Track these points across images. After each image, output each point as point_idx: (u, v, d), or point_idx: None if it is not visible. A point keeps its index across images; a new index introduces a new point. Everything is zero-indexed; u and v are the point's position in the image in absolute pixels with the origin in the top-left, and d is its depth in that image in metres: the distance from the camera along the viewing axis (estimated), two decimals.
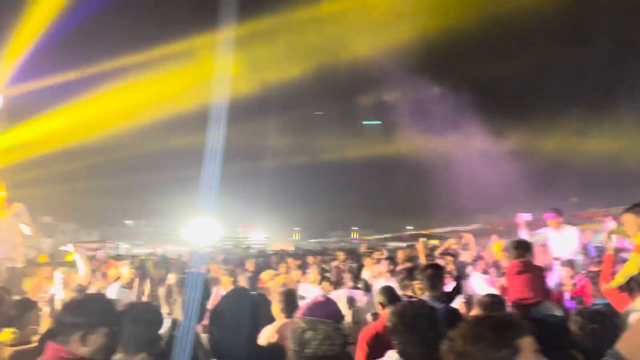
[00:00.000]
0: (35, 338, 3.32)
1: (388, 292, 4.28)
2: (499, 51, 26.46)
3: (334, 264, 10.05)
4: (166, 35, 20.56)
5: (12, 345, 2.85)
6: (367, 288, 6.92)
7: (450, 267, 6.35)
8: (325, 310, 2.40)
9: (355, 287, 6.74)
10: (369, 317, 5.36)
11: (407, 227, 41.62)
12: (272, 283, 7.55)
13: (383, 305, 4.16)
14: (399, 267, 7.06)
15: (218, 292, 6.93)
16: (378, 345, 3.72)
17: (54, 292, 5.72)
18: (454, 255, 7.27)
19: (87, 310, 2.38)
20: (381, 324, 3.86)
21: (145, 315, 2.88)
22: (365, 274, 7.85)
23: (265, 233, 46.35)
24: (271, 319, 4.27)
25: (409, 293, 4.63)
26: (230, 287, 7.14)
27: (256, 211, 45.32)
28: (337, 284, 7.26)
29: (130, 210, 50.31)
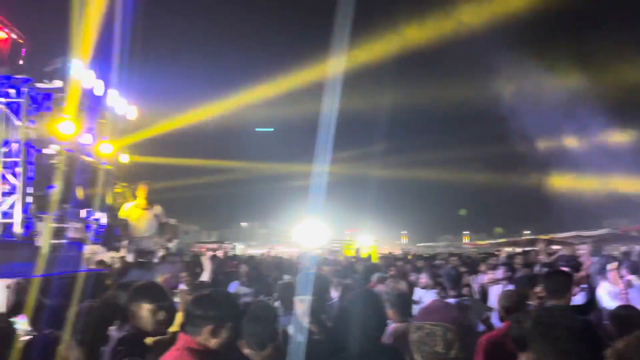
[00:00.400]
0: (170, 329, 3.61)
1: (513, 297, 4.03)
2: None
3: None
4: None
5: (151, 335, 3.12)
6: (484, 294, 6.63)
7: (579, 275, 5.82)
8: (444, 315, 2.32)
9: (460, 294, 6.48)
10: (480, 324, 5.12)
11: (524, 232, 39.12)
12: (382, 286, 7.51)
13: (507, 312, 3.92)
14: (517, 274, 6.66)
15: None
16: (498, 354, 3.53)
17: (181, 287, 6.20)
18: (578, 260, 6.68)
19: (216, 305, 2.54)
20: (501, 332, 3.65)
21: (262, 313, 3.00)
22: (482, 280, 7.55)
23: (372, 236, 46.25)
24: None
25: (530, 301, 4.33)
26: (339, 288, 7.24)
27: (363, 214, 45.51)
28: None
29: (246, 213, 53.39)
